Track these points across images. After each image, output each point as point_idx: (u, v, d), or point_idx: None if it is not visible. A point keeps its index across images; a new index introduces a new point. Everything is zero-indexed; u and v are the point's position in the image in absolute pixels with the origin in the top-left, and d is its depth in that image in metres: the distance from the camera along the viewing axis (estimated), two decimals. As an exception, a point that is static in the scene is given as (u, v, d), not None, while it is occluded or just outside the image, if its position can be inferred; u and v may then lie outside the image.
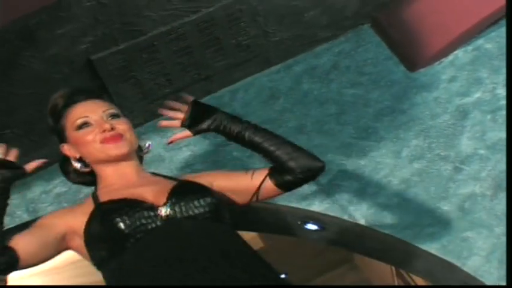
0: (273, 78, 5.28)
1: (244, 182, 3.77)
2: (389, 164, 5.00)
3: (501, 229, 5.01)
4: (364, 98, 5.20)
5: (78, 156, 3.54)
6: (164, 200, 3.39)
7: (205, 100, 5.01)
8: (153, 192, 3.51)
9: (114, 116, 3.57)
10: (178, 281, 3.08)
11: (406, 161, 5.02)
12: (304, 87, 5.20)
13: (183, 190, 3.57)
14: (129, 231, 3.19)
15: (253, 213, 5.14)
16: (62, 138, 3.58)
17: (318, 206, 4.92)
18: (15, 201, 5.04)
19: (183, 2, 4.63)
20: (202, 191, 3.56)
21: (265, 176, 3.68)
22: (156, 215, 3.30)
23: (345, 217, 4.91)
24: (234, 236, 3.42)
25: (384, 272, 10.91)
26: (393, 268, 10.23)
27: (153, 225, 3.26)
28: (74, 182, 3.80)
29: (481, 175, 5.09)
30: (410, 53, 5.27)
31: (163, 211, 3.36)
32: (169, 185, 3.58)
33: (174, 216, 3.32)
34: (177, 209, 3.41)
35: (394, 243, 5.08)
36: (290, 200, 4.99)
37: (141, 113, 5.15)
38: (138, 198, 3.40)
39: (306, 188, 4.76)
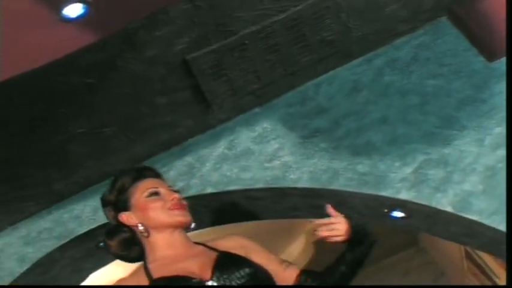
0: (355, 72, 5.43)
1: (276, 271, 3.88)
2: (473, 152, 5.10)
3: None
4: (445, 89, 5.29)
5: (137, 222, 3.78)
6: (210, 273, 3.59)
7: (291, 94, 5.54)
8: (198, 265, 3.70)
9: (176, 192, 3.90)
10: None
11: (490, 148, 5.10)
12: (386, 79, 5.35)
13: (225, 262, 3.75)
14: None
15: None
16: (122, 208, 3.83)
17: (404, 195, 5.05)
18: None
19: (273, 1, 4.81)
20: (243, 262, 3.76)
21: (296, 277, 3.87)
22: None
23: (432, 205, 5.04)
24: None
25: (452, 253, 10.69)
26: (462, 249, 9.99)
27: None
28: (115, 254, 3.97)
29: None
30: (489, 44, 5.36)
31: (210, 284, 3.57)
32: (212, 256, 3.78)
33: None
34: (221, 281, 3.59)
35: (480, 230, 5.23)
36: (378, 188, 5.15)
37: (231, 108, 5.46)
38: (187, 274, 3.60)
39: (393, 177, 5.05)
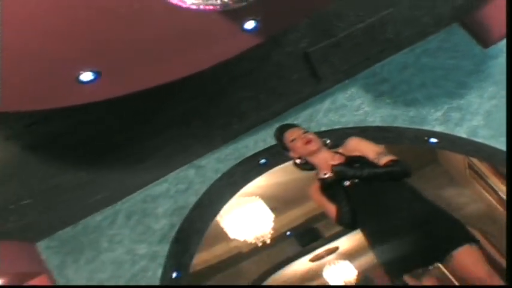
0: (404, 57, 7.72)
1: (377, 159, 5.32)
2: (477, 101, 7.40)
3: None
4: (458, 65, 7.61)
5: (296, 157, 5.43)
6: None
7: (366, 72, 7.71)
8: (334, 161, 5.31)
9: (305, 132, 5.46)
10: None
11: (487, 99, 7.42)
12: (423, 61, 7.69)
13: (350, 161, 5.35)
14: None
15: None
16: (285, 149, 5.48)
17: (437, 129, 7.43)
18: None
19: (357, 17, 6.80)
20: (357, 160, 5.29)
21: (385, 163, 5.20)
22: None
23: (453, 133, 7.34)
24: None
25: (459, 165, 11.99)
26: (466, 162, 11.21)
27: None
28: (301, 170, 5.55)
29: None
30: (483, 35, 7.60)
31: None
32: (343, 158, 5.35)
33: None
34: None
35: (482, 147, 7.46)
36: (421, 125, 7.49)
37: (331, 81, 7.66)
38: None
39: (430, 118, 7.37)
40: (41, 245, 7.81)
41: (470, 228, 5.71)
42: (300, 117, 7.51)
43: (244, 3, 4.01)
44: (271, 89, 7.26)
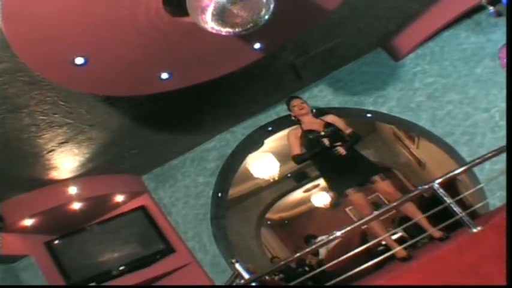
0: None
1: (344, 129, 5.67)
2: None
3: None
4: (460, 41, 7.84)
5: (294, 115, 5.85)
6: (322, 130, 5.56)
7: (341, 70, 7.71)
8: (317, 126, 5.57)
9: (303, 102, 5.84)
10: None
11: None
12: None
13: (327, 125, 5.59)
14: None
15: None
16: (289, 110, 5.90)
17: None
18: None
19: (323, 38, 7.06)
20: (331, 126, 5.58)
21: (348, 133, 5.59)
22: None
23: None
24: None
25: (387, 132, 11.79)
26: (392, 130, 11.04)
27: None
28: (294, 122, 5.84)
29: None
30: (394, 49, 7.84)
31: (322, 134, 5.52)
32: (323, 123, 5.61)
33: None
34: (326, 133, 5.52)
35: (403, 122, 8.05)
36: (362, 106, 7.87)
37: (309, 80, 7.83)
38: (313, 128, 5.57)
39: None
40: (144, 177, 8.23)
41: (394, 169, 5.98)
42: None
43: (251, 31, 4.11)
44: (273, 85, 7.54)
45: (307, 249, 5.64)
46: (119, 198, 7.66)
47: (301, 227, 17.44)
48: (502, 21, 7.74)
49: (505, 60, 7.55)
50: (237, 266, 4.59)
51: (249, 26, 4.15)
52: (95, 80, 4.92)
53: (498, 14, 7.55)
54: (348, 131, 5.63)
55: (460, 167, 5.20)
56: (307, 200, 16.86)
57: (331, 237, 4.48)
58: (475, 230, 4.25)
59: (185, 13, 4.20)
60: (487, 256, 4.08)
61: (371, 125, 11.88)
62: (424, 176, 11.33)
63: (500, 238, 4.04)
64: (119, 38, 4.42)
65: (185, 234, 7.79)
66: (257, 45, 5.50)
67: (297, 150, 5.61)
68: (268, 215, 15.35)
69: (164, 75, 5.27)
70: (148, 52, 4.85)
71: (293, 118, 5.87)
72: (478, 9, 7.56)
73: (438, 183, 4.38)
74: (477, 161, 5.17)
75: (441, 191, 4.37)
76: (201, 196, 8.00)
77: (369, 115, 8.13)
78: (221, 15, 3.94)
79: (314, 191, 15.98)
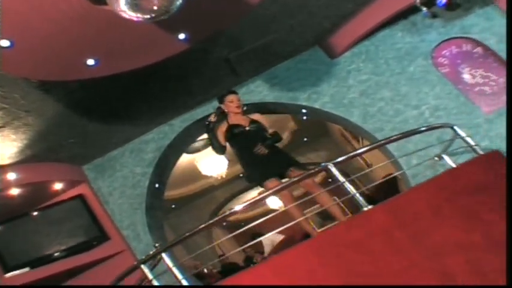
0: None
1: (265, 127, 5.99)
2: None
3: None
4: (395, 40, 8.29)
5: (226, 109, 5.92)
6: (248, 125, 5.81)
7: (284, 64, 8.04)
8: (244, 122, 5.80)
9: (239, 100, 5.94)
10: None
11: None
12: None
13: (252, 122, 5.85)
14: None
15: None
16: (221, 102, 5.94)
17: None
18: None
19: (255, 36, 7.26)
20: (256, 122, 5.83)
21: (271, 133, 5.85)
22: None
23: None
24: None
25: (336, 133, 11.98)
26: (340, 132, 11.39)
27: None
28: (219, 116, 5.89)
29: None
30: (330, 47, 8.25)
31: (248, 129, 5.78)
32: (248, 120, 5.83)
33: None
34: (251, 128, 5.79)
35: (346, 123, 8.50)
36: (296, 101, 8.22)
37: (245, 75, 8.11)
38: (239, 123, 5.78)
39: None
40: (84, 167, 8.51)
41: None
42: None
43: (166, 17, 4.41)
44: (209, 79, 7.76)
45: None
46: (58, 186, 7.97)
47: (256, 228, 17.44)
48: (437, 22, 8.33)
49: (438, 59, 8.19)
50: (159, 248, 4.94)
51: (160, 12, 4.50)
52: (22, 63, 5.23)
53: (433, 16, 8.11)
54: (271, 130, 5.95)
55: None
56: (262, 202, 16.60)
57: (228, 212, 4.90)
58: (365, 209, 4.59)
59: (103, 2, 4.56)
60: (374, 233, 4.43)
61: (322, 127, 12.15)
62: (373, 176, 11.48)
63: (388, 217, 4.52)
64: (44, 22, 4.75)
65: (121, 223, 8.11)
66: (182, 36, 5.83)
67: (222, 141, 5.90)
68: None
69: (90, 62, 5.62)
70: (73, 38, 5.18)
71: (223, 112, 6.01)
72: (414, 10, 7.96)
73: (333, 163, 4.72)
74: (382, 141, 6.09)
75: (335, 171, 4.70)
76: (138, 186, 8.29)
77: (304, 110, 8.51)
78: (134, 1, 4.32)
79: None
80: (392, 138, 5.91)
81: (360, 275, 4.24)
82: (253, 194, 15.50)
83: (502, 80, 8.12)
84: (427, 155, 6.36)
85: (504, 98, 7.93)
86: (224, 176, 11.31)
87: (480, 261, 4.46)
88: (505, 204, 4.88)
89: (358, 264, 4.28)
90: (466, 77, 8.32)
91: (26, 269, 7.33)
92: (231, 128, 5.89)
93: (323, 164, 4.80)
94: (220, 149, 5.91)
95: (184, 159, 10.66)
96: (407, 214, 4.58)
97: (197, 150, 10.82)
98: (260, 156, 5.65)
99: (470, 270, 4.38)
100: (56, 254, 7.57)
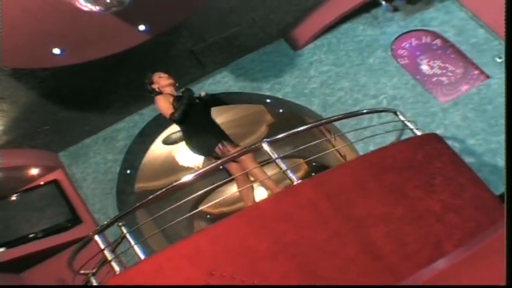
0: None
1: None
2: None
3: None
4: (357, 35, 8.92)
5: (157, 87, 5.72)
6: None
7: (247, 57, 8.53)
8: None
9: (169, 77, 5.75)
10: None
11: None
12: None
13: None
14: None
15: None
16: (151, 83, 5.72)
17: None
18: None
19: (219, 28, 7.76)
20: (188, 90, 5.62)
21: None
22: None
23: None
24: None
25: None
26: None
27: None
28: (150, 92, 5.73)
29: None
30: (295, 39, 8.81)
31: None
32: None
33: None
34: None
35: (308, 112, 8.92)
36: (260, 91, 8.76)
37: (211, 67, 8.60)
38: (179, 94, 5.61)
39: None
40: (60, 154, 8.99)
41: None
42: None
43: (119, 8, 4.82)
44: (176, 70, 7.26)
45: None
46: (34, 171, 8.53)
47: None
48: (398, 16, 8.86)
49: (398, 51, 8.69)
50: (123, 228, 5.26)
51: (114, 3, 5.02)
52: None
53: (394, 9, 8.74)
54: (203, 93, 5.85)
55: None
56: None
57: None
58: (295, 183, 5.06)
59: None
60: (302, 205, 4.86)
61: (299, 120, 11.97)
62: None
63: (315, 191, 4.92)
64: (10, 11, 5.21)
65: (93, 206, 8.70)
66: (142, 27, 6.32)
67: (170, 110, 5.58)
68: (208, 209, 15.63)
69: (56, 51, 6.13)
70: (38, 28, 5.65)
71: (156, 90, 5.77)
72: (376, 4, 8.53)
73: (267, 141, 5.24)
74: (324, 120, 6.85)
75: (269, 148, 5.19)
76: (109, 172, 8.82)
77: (268, 100, 9.00)
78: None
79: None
80: (333, 118, 6.55)
81: (286, 243, 4.59)
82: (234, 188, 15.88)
83: (460, 71, 8.60)
84: (383, 142, 6.82)
85: (460, 88, 8.44)
86: (200, 167, 11.50)
87: (401, 232, 4.82)
88: (431, 183, 5.33)
89: (284, 234, 4.63)
90: (424, 68, 8.78)
91: (3, 249, 7.90)
92: (177, 99, 5.64)
93: (256, 143, 5.28)
94: (175, 114, 5.54)
95: (164, 150, 11.03)
96: (334, 188, 4.93)
97: (175, 141, 11.04)
98: (201, 127, 5.63)
99: (392, 240, 4.70)
100: (31, 235, 8.15)
